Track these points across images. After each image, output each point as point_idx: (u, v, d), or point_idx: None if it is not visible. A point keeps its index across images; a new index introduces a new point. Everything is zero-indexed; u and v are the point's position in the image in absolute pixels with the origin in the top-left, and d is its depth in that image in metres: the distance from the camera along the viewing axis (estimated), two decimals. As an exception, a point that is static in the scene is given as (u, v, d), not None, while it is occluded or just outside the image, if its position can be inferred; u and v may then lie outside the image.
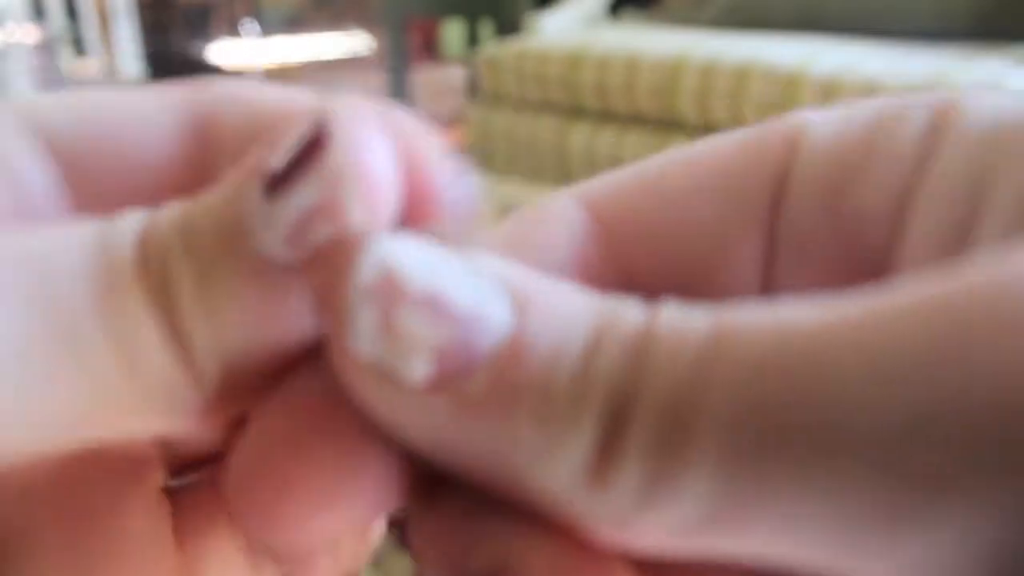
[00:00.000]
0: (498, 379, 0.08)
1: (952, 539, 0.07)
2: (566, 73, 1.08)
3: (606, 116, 1.08)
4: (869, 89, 0.83)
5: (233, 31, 6.20)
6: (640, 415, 0.08)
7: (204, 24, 5.70)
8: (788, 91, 0.88)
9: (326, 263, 0.09)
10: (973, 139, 0.10)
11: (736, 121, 0.94)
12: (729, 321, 0.08)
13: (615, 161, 1.06)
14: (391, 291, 0.09)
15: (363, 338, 0.09)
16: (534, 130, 1.14)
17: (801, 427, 0.07)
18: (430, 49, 4.91)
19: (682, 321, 0.08)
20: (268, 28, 6.70)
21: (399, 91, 1.55)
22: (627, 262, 0.12)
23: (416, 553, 0.10)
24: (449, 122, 3.33)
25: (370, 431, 0.09)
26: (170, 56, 4.89)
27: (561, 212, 0.12)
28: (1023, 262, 0.08)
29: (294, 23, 7.12)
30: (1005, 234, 0.09)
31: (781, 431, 0.08)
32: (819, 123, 0.12)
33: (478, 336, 0.08)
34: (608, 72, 1.03)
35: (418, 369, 0.08)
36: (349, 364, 0.09)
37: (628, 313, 0.09)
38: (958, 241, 0.10)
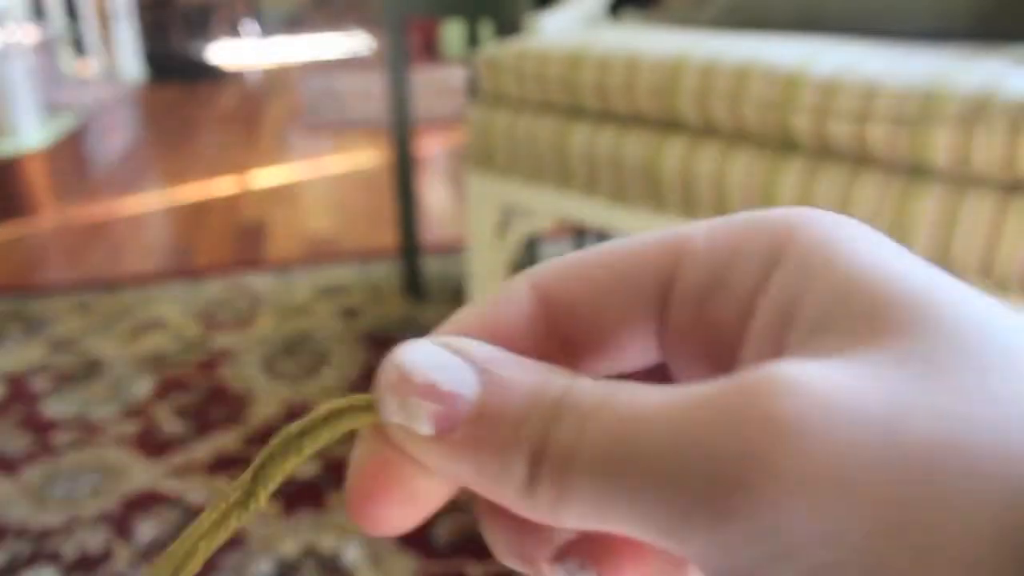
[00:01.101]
0: (470, 431, 0.14)
1: (700, 551, 0.12)
2: (566, 73, 1.08)
3: (606, 116, 1.08)
4: (869, 89, 0.83)
5: (233, 31, 6.19)
6: (547, 461, 0.13)
7: (204, 24, 5.69)
8: (788, 91, 0.89)
9: (378, 375, 0.15)
10: (795, 266, 0.14)
11: (736, 121, 0.94)
12: (606, 393, 0.13)
13: (615, 161, 1.06)
14: (403, 384, 0.14)
15: (393, 413, 0.15)
16: (534, 130, 1.14)
17: (625, 470, 0.13)
18: (430, 49, 4.91)
19: (590, 397, 0.13)
20: (268, 28, 6.69)
21: (399, 91, 1.55)
22: (563, 332, 0.16)
23: (489, 539, 0.17)
24: (449, 122, 3.32)
25: (415, 467, 0.15)
26: (170, 56, 4.89)
27: (517, 294, 0.17)
28: (758, 378, 0.12)
29: (294, 23, 7.11)
30: (806, 337, 0.13)
31: (615, 473, 0.13)
32: (698, 239, 0.16)
33: (457, 405, 0.14)
34: (608, 72, 1.03)
35: (424, 428, 0.14)
36: (392, 430, 0.15)
37: (551, 384, 0.14)
38: (779, 342, 0.14)
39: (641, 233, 0.16)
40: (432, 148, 2.95)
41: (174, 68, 4.68)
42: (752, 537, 0.11)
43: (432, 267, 1.84)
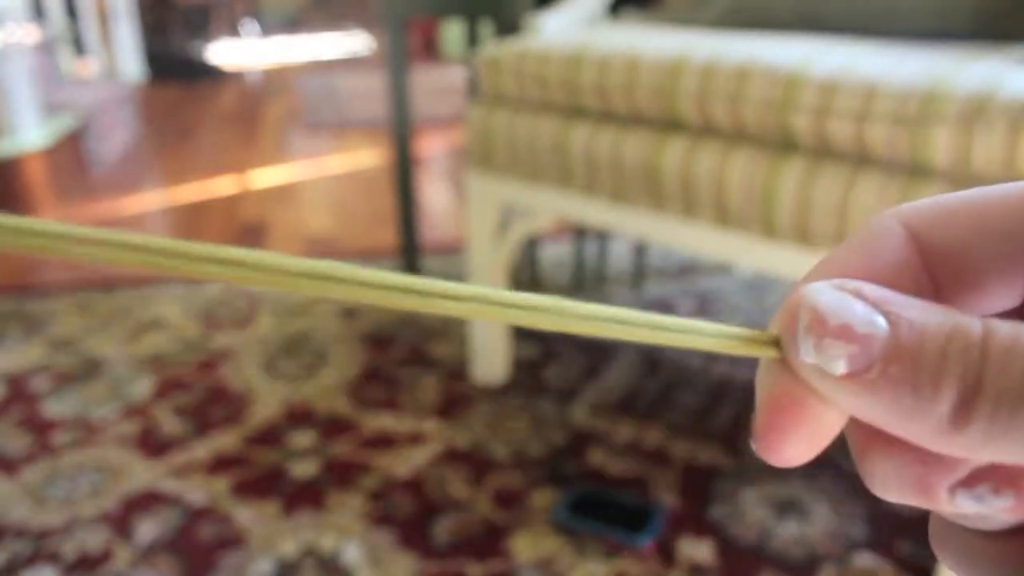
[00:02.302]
0: (886, 370, 0.15)
1: None
2: (566, 73, 1.08)
3: (606, 116, 1.08)
4: (869, 89, 0.83)
5: (233, 31, 6.19)
6: (984, 397, 0.14)
7: (204, 24, 5.69)
8: (788, 91, 0.88)
9: (789, 317, 0.16)
10: None
11: (736, 121, 0.94)
12: None
13: (615, 161, 1.05)
14: (819, 326, 0.15)
15: (807, 354, 0.15)
16: (534, 130, 1.14)
17: None
18: (430, 49, 4.91)
19: (1010, 337, 0.14)
20: (268, 28, 6.69)
21: (399, 91, 1.55)
22: (935, 274, 0.17)
23: (872, 474, 0.17)
24: (449, 122, 3.32)
25: (822, 403, 0.16)
26: (170, 56, 4.89)
27: (890, 234, 0.17)
28: None
29: (294, 23, 7.12)
30: None
31: None
32: None
33: (870, 345, 0.15)
34: (608, 72, 1.03)
35: (839, 368, 0.15)
36: (804, 369, 0.16)
37: (970, 324, 0.14)
38: None
39: (1014, 181, 0.17)
40: (432, 148, 2.95)
41: (174, 68, 4.68)
42: None
43: (432, 267, 1.84)
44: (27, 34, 2.73)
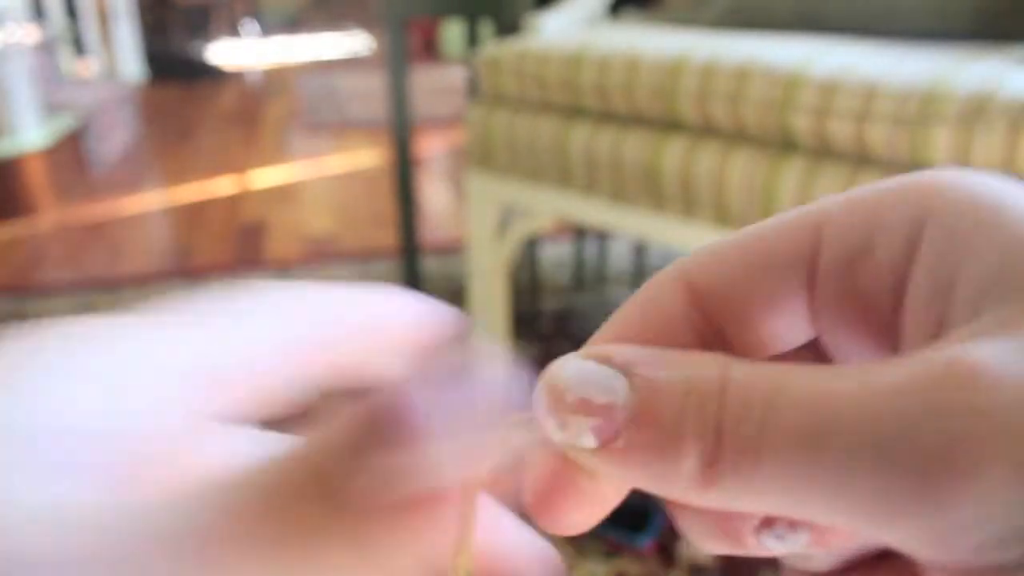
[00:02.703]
0: (631, 437, 0.14)
1: (909, 537, 0.12)
2: (566, 73, 1.08)
3: (606, 116, 1.08)
4: (869, 89, 0.83)
5: (233, 31, 6.19)
6: (726, 450, 0.13)
7: (204, 24, 5.70)
8: (788, 91, 0.89)
9: (535, 398, 0.15)
10: (945, 231, 0.14)
11: (736, 121, 0.94)
12: (779, 379, 0.13)
13: (615, 161, 1.06)
14: (559, 404, 0.14)
15: (555, 433, 0.15)
16: (534, 130, 1.14)
17: (821, 456, 0.13)
18: (430, 49, 4.91)
19: (745, 384, 0.13)
20: (268, 28, 6.69)
21: (399, 91, 1.55)
22: (716, 322, 0.17)
23: (685, 529, 0.17)
24: (449, 122, 3.32)
25: (583, 473, 0.16)
26: (170, 56, 4.89)
27: (665, 290, 0.17)
28: (950, 365, 0.12)
29: (294, 23, 7.12)
30: (971, 310, 0.14)
31: (810, 460, 0.13)
32: (836, 211, 0.16)
33: (613, 415, 0.14)
34: (608, 72, 1.03)
35: (588, 442, 0.14)
36: (559, 445, 0.15)
37: (706, 376, 0.14)
38: (940, 312, 0.14)
39: (776, 215, 0.17)
40: (432, 148, 2.95)
41: (174, 68, 4.68)
42: (976, 520, 0.12)
43: (432, 267, 1.84)
44: (27, 34, 2.74)
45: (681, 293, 0.17)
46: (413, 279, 1.71)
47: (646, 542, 0.98)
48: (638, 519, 1.02)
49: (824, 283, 0.16)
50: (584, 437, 0.14)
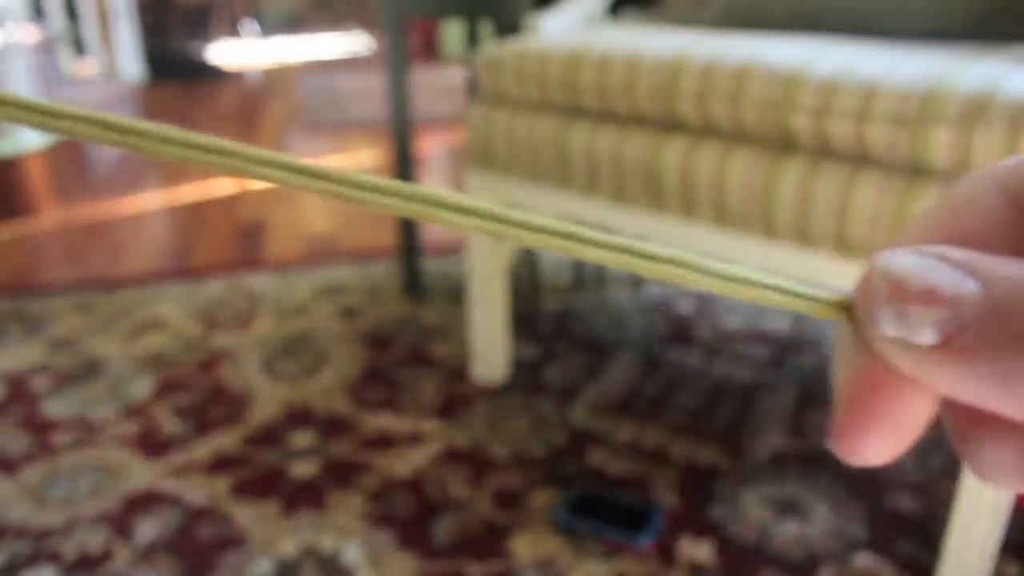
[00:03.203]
0: (980, 332, 0.13)
1: None
2: (566, 73, 1.08)
3: (606, 116, 1.08)
4: (869, 89, 0.83)
5: (233, 31, 6.19)
6: None
7: (204, 24, 5.69)
8: (788, 91, 0.88)
9: (865, 288, 0.14)
10: None
11: (736, 121, 0.94)
12: None
13: (615, 161, 1.05)
14: (899, 292, 0.13)
15: (888, 326, 0.13)
16: (534, 130, 1.14)
17: None
18: (430, 49, 4.91)
19: None
20: (268, 28, 6.68)
21: (399, 91, 1.55)
22: None
23: (980, 461, 0.15)
24: (449, 122, 3.31)
25: (909, 387, 0.14)
26: (170, 56, 4.89)
27: (983, 196, 0.15)
28: None
29: (294, 23, 7.11)
30: None
31: None
32: None
33: (959, 307, 0.13)
34: (608, 72, 1.03)
35: (926, 337, 0.13)
36: (886, 345, 0.14)
37: None
38: None
39: None
40: (432, 148, 2.95)
41: (174, 68, 4.68)
42: None
43: (432, 267, 1.84)
44: (27, 34, 2.73)
45: (1002, 203, 0.15)
46: (413, 279, 1.71)
47: (646, 542, 0.98)
48: (638, 519, 1.02)
49: None
50: (924, 330, 0.13)
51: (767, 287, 0.16)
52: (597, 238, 0.16)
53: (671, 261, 0.16)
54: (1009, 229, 0.15)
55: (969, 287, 0.13)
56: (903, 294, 0.13)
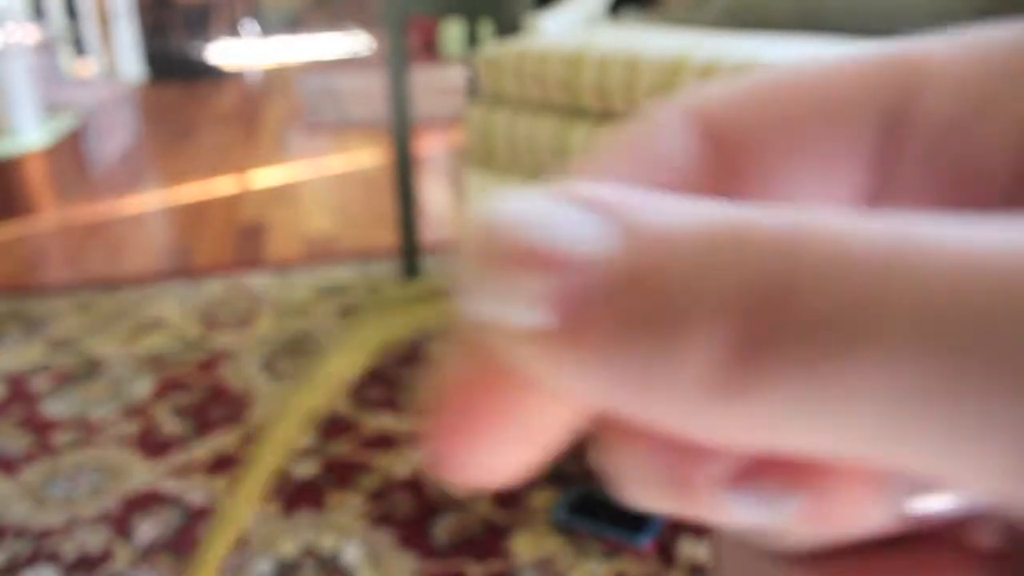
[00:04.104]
0: (616, 310, 0.09)
1: None
2: (566, 73, 1.08)
3: (606, 116, 1.08)
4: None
5: (233, 31, 6.19)
6: (788, 334, 0.08)
7: (204, 24, 5.70)
8: (788, 91, 0.89)
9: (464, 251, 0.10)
10: None
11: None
12: (901, 240, 0.08)
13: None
14: (495, 253, 0.09)
15: (481, 300, 0.09)
16: (534, 130, 1.14)
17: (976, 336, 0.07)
18: (430, 49, 4.91)
19: (832, 239, 0.08)
20: (268, 28, 6.69)
21: (399, 91, 1.55)
22: (735, 177, 0.12)
23: (620, 470, 0.11)
24: (449, 122, 3.32)
25: (524, 381, 0.10)
26: (170, 56, 4.89)
27: (667, 125, 0.12)
28: None
29: (294, 23, 7.11)
30: None
31: (957, 343, 0.08)
32: (940, 57, 0.12)
33: (582, 273, 0.09)
34: (608, 72, 1.03)
35: (533, 317, 0.09)
36: (481, 329, 0.09)
37: (759, 223, 0.09)
38: None
39: (838, 55, 0.13)
40: (432, 148, 2.95)
41: (174, 68, 4.68)
42: None
43: (432, 266, 1.84)
44: (27, 34, 2.73)
45: (692, 126, 0.12)
46: (413, 279, 1.71)
47: (646, 542, 0.98)
48: (638, 519, 1.02)
49: (912, 143, 0.12)
50: (530, 307, 0.09)
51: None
52: None
53: None
54: (702, 159, 0.12)
55: (605, 242, 0.09)
56: (502, 256, 0.09)
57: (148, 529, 1.04)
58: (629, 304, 0.09)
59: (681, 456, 0.10)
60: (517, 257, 0.09)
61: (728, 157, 0.12)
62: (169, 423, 1.26)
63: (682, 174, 0.12)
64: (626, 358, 0.09)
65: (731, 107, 0.12)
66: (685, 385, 0.08)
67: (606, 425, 0.11)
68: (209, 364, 1.44)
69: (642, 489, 0.11)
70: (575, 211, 0.09)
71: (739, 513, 0.10)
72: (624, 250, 0.09)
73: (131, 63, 4.27)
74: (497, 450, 0.11)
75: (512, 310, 0.09)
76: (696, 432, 0.09)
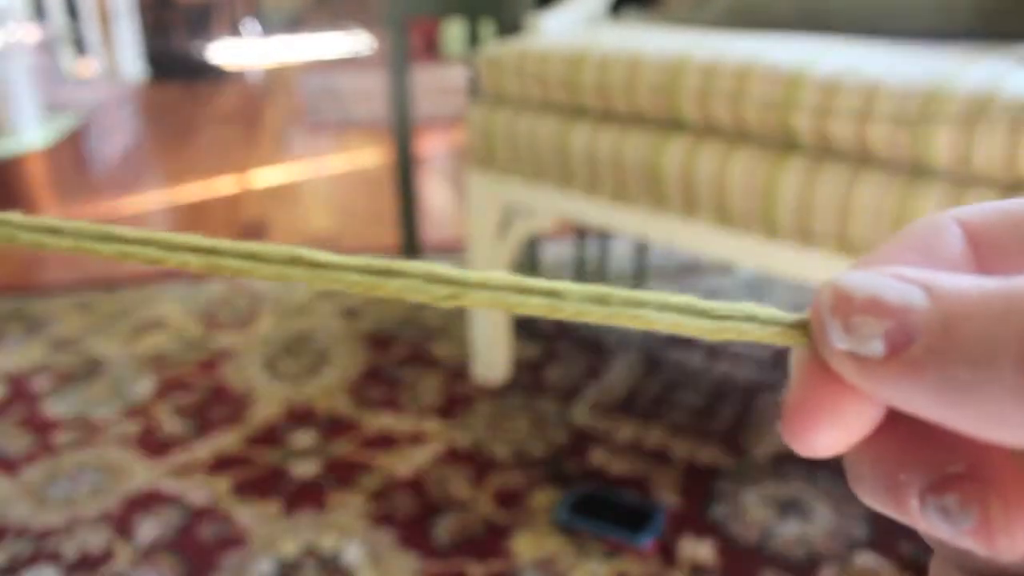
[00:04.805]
0: (931, 344, 0.13)
1: None
2: (567, 73, 1.08)
3: (606, 116, 1.07)
4: (870, 89, 0.83)
5: (233, 31, 6.19)
6: None
7: (204, 24, 5.70)
8: (789, 91, 0.88)
9: (816, 305, 0.15)
10: None
11: (737, 121, 0.94)
12: None
13: (616, 161, 1.05)
14: (846, 304, 0.14)
15: (838, 339, 0.14)
16: (535, 130, 1.13)
17: None
18: (430, 49, 4.91)
19: None
20: (268, 28, 6.69)
21: (400, 91, 1.55)
22: (986, 270, 0.16)
23: (854, 474, 0.16)
24: (450, 122, 3.32)
25: (851, 393, 0.15)
26: (171, 56, 4.89)
27: (946, 230, 0.16)
28: None
29: (294, 23, 7.11)
30: None
31: None
32: None
33: (907, 317, 0.13)
34: (609, 72, 1.03)
35: (874, 349, 0.13)
36: (836, 358, 0.14)
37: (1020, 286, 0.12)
38: None
39: None
40: (433, 148, 2.95)
41: (175, 68, 4.68)
42: None
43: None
44: (28, 34, 2.73)
45: (963, 241, 0.16)
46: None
47: (647, 542, 0.98)
48: (639, 519, 1.02)
49: None
50: (872, 342, 0.13)
51: (724, 317, 0.16)
52: (535, 285, 0.17)
53: (625, 303, 0.16)
54: (965, 263, 0.16)
55: (918, 299, 0.13)
56: (848, 305, 0.14)
57: (149, 529, 1.04)
58: (938, 341, 0.13)
59: (901, 462, 0.15)
60: (862, 307, 0.13)
61: (983, 255, 0.16)
62: (170, 423, 1.26)
63: (951, 263, 0.16)
64: (937, 379, 0.13)
65: (989, 221, 0.16)
66: (1001, 396, 0.12)
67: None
68: (210, 364, 1.44)
69: (868, 487, 0.15)
70: (894, 280, 0.14)
71: (927, 522, 0.14)
72: (932, 305, 0.13)
73: (132, 63, 4.27)
74: (830, 433, 0.15)
75: (859, 343, 0.13)
76: (1001, 435, 0.13)
